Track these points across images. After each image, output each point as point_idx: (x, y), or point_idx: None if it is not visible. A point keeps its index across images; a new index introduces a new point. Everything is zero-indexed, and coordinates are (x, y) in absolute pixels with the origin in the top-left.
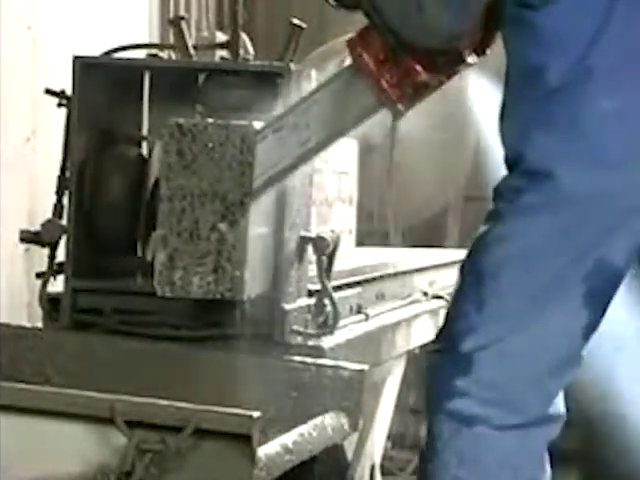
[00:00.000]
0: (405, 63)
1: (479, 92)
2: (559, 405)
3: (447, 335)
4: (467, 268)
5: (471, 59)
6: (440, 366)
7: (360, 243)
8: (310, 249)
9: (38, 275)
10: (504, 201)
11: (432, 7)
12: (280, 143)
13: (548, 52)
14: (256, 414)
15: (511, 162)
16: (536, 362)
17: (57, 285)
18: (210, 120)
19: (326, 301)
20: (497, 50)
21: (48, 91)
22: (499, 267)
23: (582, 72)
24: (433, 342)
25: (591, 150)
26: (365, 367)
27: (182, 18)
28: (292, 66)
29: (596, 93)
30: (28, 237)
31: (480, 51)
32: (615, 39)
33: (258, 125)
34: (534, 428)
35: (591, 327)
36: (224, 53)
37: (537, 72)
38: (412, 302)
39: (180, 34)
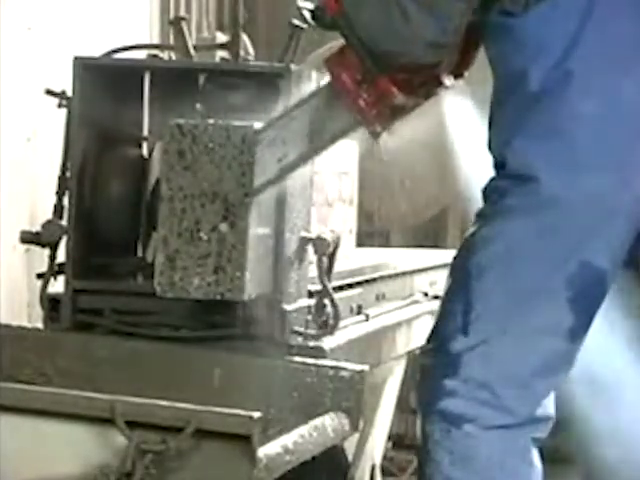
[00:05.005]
0: (381, 84)
1: (454, 112)
2: (548, 406)
3: (437, 335)
4: (455, 268)
5: (448, 81)
6: (430, 366)
7: (360, 243)
8: (310, 249)
9: (38, 276)
10: (489, 203)
11: (418, 16)
12: (257, 158)
13: (528, 58)
14: (256, 415)
15: (496, 165)
16: (521, 363)
17: (57, 286)
18: (210, 121)
19: (326, 302)
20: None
21: (48, 92)
22: (484, 268)
23: (561, 76)
24: (425, 342)
25: (571, 153)
26: (365, 368)
27: (182, 19)
28: (292, 67)
29: (575, 96)
30: (28, 237)
31: (457, 74)
32: (593, 42)
33: (258, 126)
34: (521, 428)
35: (578, 330)
36: (224, 54)
37: (519, 78)
38: (412, 303)
39: (180, 35)
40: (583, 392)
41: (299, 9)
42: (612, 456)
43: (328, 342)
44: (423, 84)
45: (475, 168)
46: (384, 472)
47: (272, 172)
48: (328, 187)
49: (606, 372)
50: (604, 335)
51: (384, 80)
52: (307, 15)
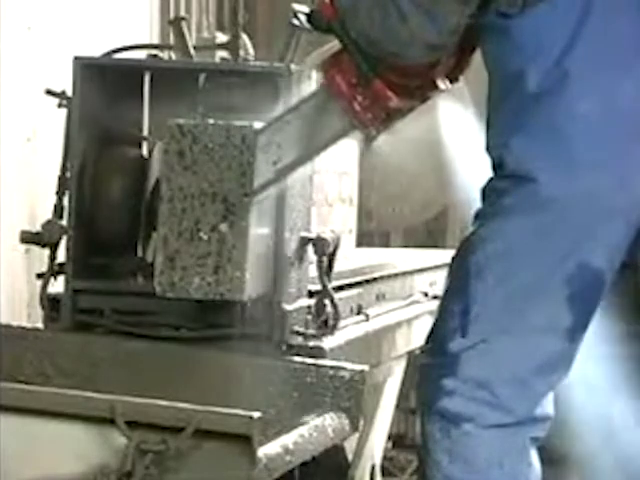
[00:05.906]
0: (376, 88)
1: (448, 116)
2: (547, 406)
3: (436, 335)
4: (454, 268)
5: (443, 85)
6: (430, 366)
7: (360, 243)
8: (310, 249)
9: (38, 276)
10: (488, 203)
11: (415, 17)
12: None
13: (526, 58)
14: (256, 415)
15: (495, 166)
16: (520, 362)
17: (57, 285)
18: (210, 121)
19: (326, 301)
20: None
21: (49, 92)
22: (483, 267)
23: (559, 76)
24: (425, 342)
25: (569, 153)
26: (365, 368)
27: (182, 19)
28: (292, 67)
29: (572, 96)
30: (28, 238)
31: (453, 78)
32: (591, 42)
33: (258, 126)
34: (519, 427)
35: (576, 330)
36: (224, 54)
37: (516, 79)
38: (412, 303)
39: (180, 35)
40: (580, 392)
41: (295, 13)
42: (609, 456)
43: (328, 342)
44: (418, 87)
45: (474, 168)
46: (384, 472)
47: (269, 175)
48: (328, 187)
49: (602, 372)
50: (601, 335)
51: (379, 83)
52: (303, 19)
